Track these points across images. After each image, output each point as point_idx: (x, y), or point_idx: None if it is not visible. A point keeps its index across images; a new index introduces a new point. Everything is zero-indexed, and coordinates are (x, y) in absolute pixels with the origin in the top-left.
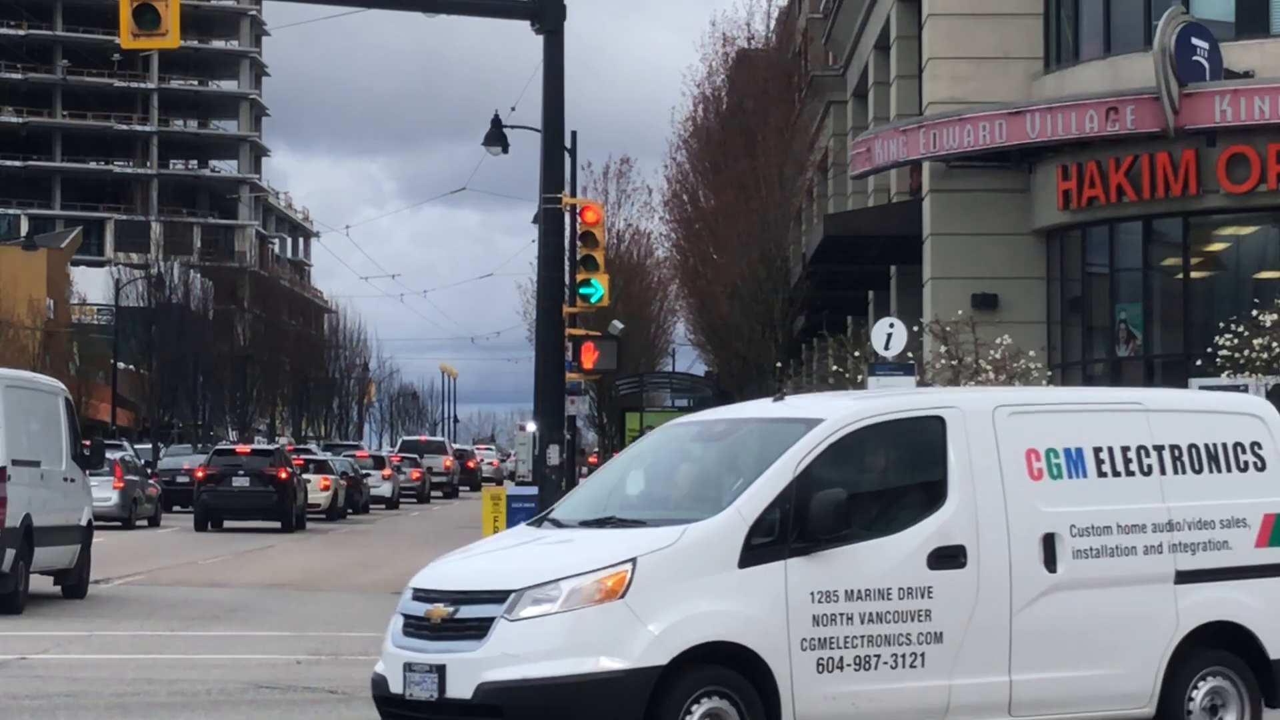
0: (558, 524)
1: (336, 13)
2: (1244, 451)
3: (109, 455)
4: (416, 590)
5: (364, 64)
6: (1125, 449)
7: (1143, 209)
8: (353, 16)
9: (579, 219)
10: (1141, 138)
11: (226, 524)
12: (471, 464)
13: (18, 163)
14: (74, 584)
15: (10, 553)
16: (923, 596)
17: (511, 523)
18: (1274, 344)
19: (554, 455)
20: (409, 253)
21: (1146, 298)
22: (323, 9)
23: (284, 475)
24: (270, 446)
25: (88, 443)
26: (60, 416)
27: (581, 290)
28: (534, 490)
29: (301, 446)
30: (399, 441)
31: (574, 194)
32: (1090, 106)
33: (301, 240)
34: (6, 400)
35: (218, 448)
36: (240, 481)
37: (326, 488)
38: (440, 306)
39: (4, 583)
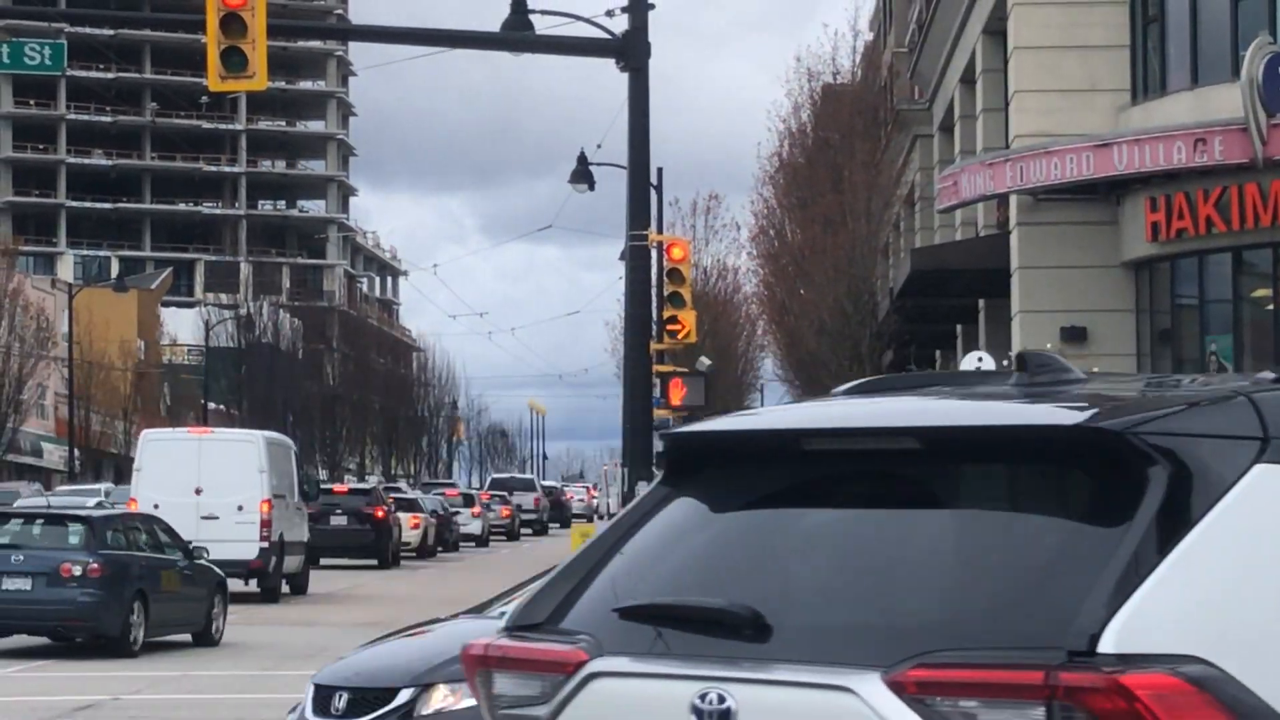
0: None
1: (422, 53)
2: None
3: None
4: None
5: (442, 101)
6: None
7: (1232, 240)
8: (431, 55)
9: (666, 255)
10: (1230, 169)
11: (322, 561)
12: (566, 498)
13: (108, 205)
14: (301, 583)
15: (273, 559)
16: None
17: None
18: None
19: (643, 492)
20: (494, 290)
21: (1237, 329)
22: (409, 49)
23: (380, 514)
24: (367, 485)
25: (307, 486)
26: (291, 463)
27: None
28: None
29: (391, 485)
30: (488, 479)
31: (660, 230)
32: (1178, 138)
33: (389, 278)
34: (268, 452)
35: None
36: (338, 520)
37: (417, 526)
38: (527, 343)
39: (268, 579)
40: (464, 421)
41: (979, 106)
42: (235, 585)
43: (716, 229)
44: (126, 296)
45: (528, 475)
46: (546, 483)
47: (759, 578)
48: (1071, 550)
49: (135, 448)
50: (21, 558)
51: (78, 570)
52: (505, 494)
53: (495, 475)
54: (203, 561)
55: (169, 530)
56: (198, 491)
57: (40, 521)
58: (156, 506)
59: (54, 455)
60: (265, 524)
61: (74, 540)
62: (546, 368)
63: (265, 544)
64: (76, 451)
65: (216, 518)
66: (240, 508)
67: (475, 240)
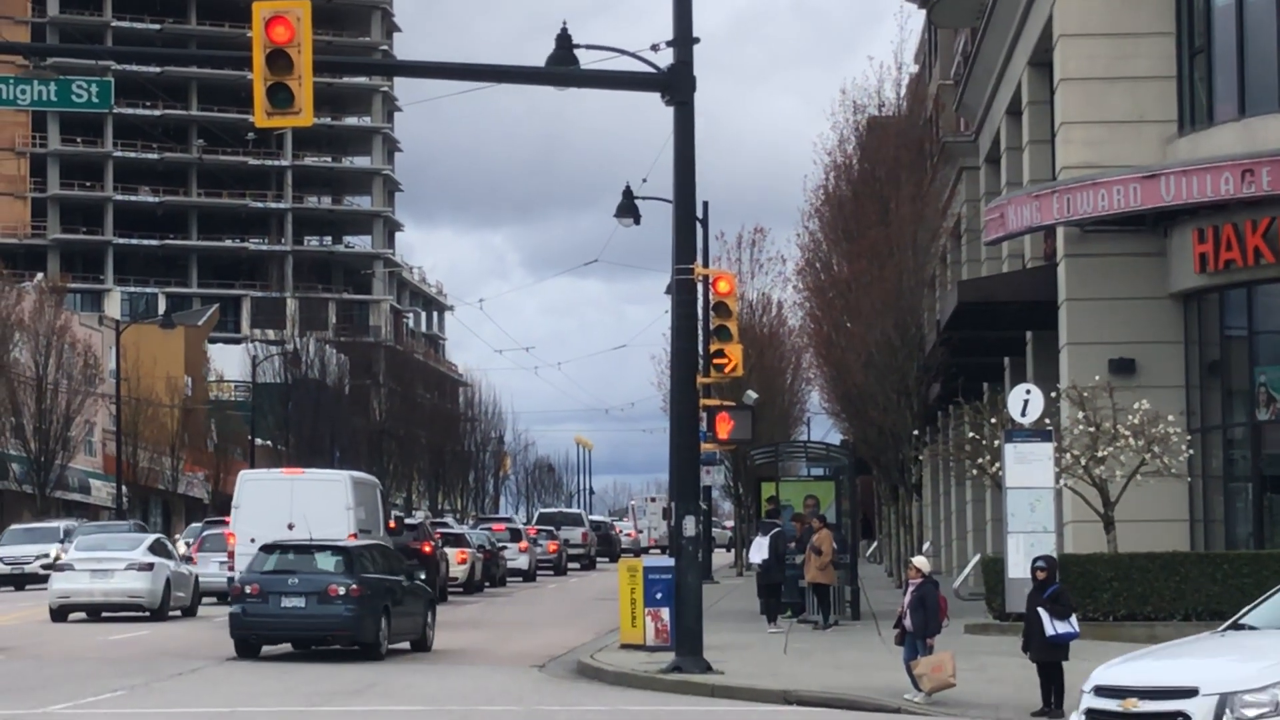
0: (1252, 628)
1: (468, 88)
2: None
3: None
4: (1100, 687)
5: (483, 137)
6: None
7: None
8: (473, 90)
9: (711, 289)
10: (1278, 199)
11: None
12: (614, 532)
13: (155, 241)
14: None
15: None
16: None
17: (649, 594)
18: None
19: (690, 526)
20: (539, 324)
21: None
22: (452, 85)
23: (428, 549)
24: (414, 521)
25: (394, 524)
26: (378, 500)
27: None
28: (670, 562)
29: (438, 520)
30: (536, 514)
31: (706, 264)
32: (1226, 169)
33: (435, 313)
34: (354, 490)
35: None
36: None
37: (464, 561)
38: (573, 377)
39: None
40: (510, 456)
41: (1025, 138)
42: None
43: (762, 262)
44: (173, 333)
45: (575, 510)
46: (595, 518)
47: None
48: None
49: (226, 486)
50: (296, 581)
51: (342, 590)
52: (553, 529)
53: (543, 510)
54: (418, 582)
55: (397, 556)
56: (290, 527)
57: (308, 551)
58: (253, 540)
59: (102, 492)
60: None
61: (335, 566)
62: (593, 402)
63: None
64: (124, 488)
65: None
66: None
67: (518, 275)
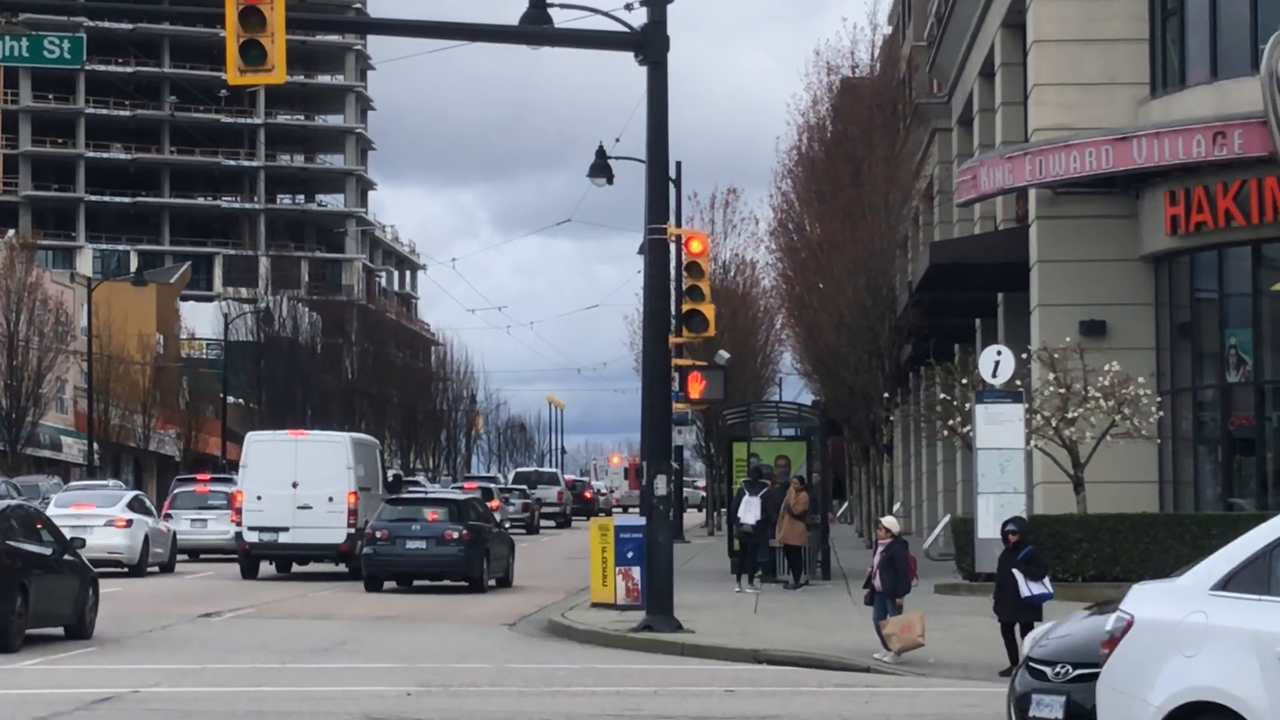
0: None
1: (441, 46)
2: None
3: (226, 489)
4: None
5: (453, 95)
6: None
7: (1252, 234)
8: (445, 49)
9: (684, 249)
10: (1250, 162)
11: None
12: (588, 494)
13: (127, 199)
14: None
15: (359, 543)
16: None
17: (620, 553)
18: None
19: (661, 485)
20: (511, 284)
21: (1256, 323)
22: (425, 44)
23: None
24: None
25: (392, 478)
26: (377, 459)
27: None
28: (642, 521)
29: (410, 479)
30: (512, 473)
31: (679, 224)
32: (1197, 131)
33: (408, 272)
34: (354, 450)
35: None
36: None
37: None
38: (545, 337)
39: (355, 561)
40: (483, 415)
41: (998, 100)
42: (325, 566)
43: (735, 223)
44: (145, 291)
45: (551, 469)
46: (571, 477)
47: None
48: None
49: (240, 449)
50: (418, 527)
51: (455, 535)
52: (526, 488)
53: (519, 470)
54: (503, 530)
55: (489, 510)
56: (294, 485)
57: (425, 504)
58: (259, 498)
59: (73, 449)
60: (352, 513)
61: (448, 515)
62: (564, 361)
63: (352, 530)
64: (95, 445)
65: (310, 507)
66: (330, 499)
67: (487, 234)
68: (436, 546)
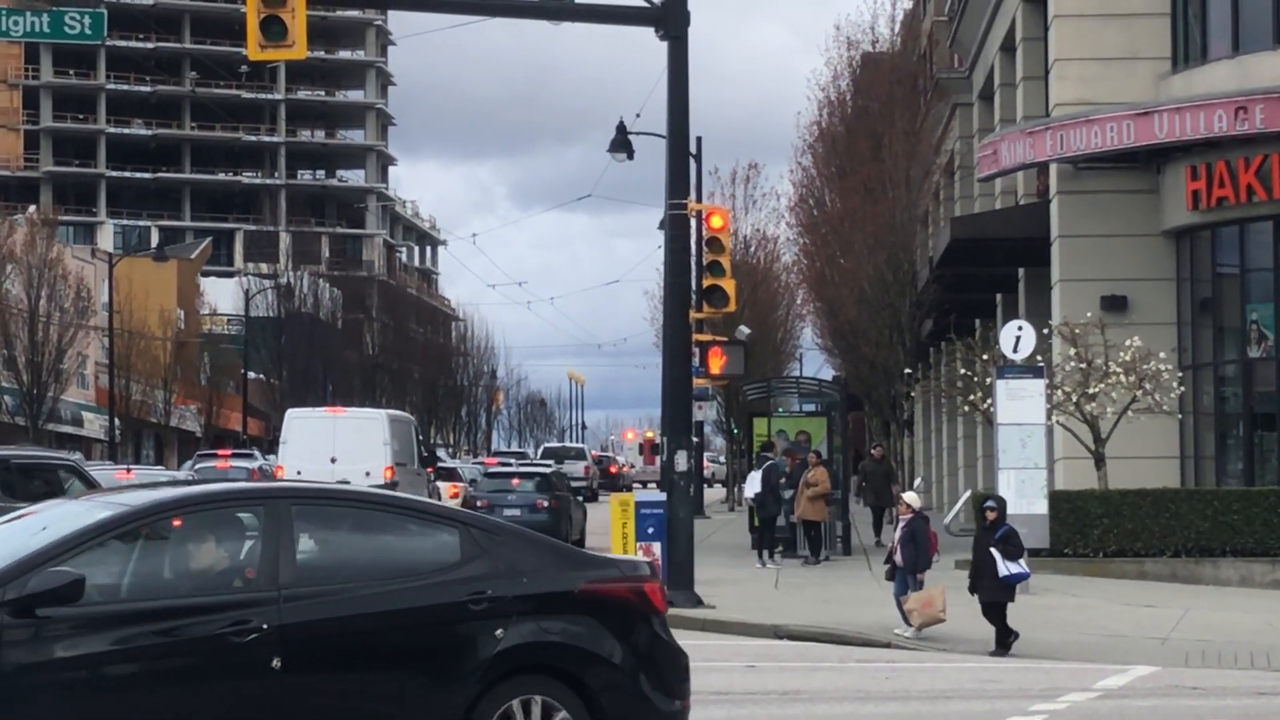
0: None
1: (460, 22)
2: None
3: (246, 465)
4: None
5: (472, 70)
6: None
7: (1273, 209)
8: (463, 25)
9: (705, 225)
10: (1271, 137)
11: None
12: (614, 469)
13: (148, 175)
14: None
15: None
16: None
17: (640, 528)
18: None
19: (682, 461)
20: (531, 259)
21: (1278, 298)
22: (447, 18)
23: None
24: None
25: (426, 453)
26: (412, 435)
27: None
28: (662, 497)
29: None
30: (540, 449)
31: (700, 199)
32: (1219, 106)
33: (428, 248)
34: (391, 427)
35: None
36: None
37: (456, 495)
38: (565, 312)
39: None
40: (503, 390)
41: (1019, 75)
42: None
43: (756, 198)
44: (166, 266)
45: (579, 445)
46: (597, 453)
47: None
48: None
49: (281, 425)
50: (513, 496)
51: (545, 503)
52: (556, 462)
53: (547, 445)
54: (578, 500)
55: (568, 481)
56: (333, 460)
57: (519, 476)
58: (299, 473)
59: (94, 424)
60: (389, 487)
61: (538, 486)
62: (585, 337)
63: None
64: (116, 420)
65: (348, 483)
66: (368, 474)
67: (505, 209)
68: (530, 514)
